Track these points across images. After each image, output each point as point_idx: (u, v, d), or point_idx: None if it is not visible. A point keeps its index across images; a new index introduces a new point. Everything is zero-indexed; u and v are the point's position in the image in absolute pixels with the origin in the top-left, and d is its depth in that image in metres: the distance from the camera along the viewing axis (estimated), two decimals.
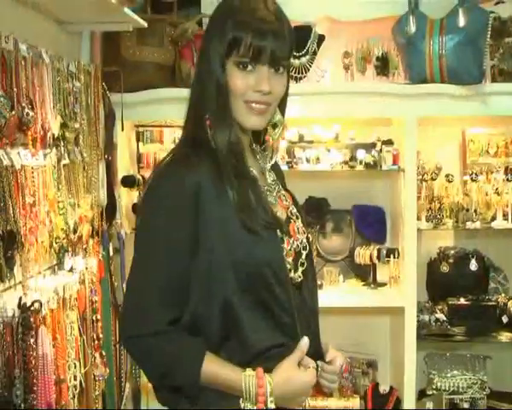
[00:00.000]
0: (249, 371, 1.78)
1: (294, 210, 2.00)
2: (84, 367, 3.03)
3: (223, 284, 1.79)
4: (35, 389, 2.51)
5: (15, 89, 2.46)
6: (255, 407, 1.78)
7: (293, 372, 1.82)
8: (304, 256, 1.95)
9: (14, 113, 2.40)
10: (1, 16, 2.47)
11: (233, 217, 1.79)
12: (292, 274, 1.91)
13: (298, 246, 1.94)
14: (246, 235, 1.79)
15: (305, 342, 1.84)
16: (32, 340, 2.50)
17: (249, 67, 1.80)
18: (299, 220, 1.99)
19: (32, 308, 2.52)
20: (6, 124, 2.34)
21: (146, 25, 3.47)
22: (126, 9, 3.12)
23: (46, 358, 2.58)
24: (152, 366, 1.83)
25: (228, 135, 1.84)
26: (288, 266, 1.89)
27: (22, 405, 2.43)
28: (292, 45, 1.85)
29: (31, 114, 2.53)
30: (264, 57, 1.78)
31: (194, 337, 1.81)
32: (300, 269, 1.94)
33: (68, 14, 3.21)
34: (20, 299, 2.52)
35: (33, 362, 2.50)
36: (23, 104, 2.49)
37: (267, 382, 1.77)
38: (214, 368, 1.78)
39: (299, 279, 1.94)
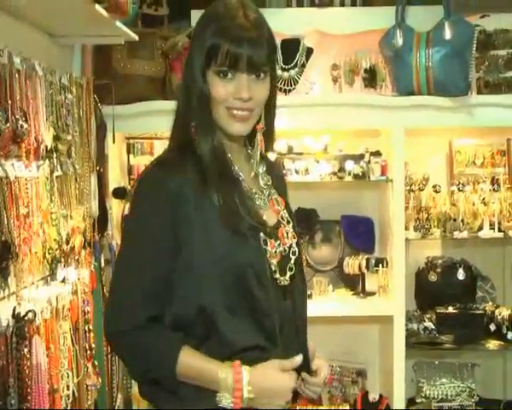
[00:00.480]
0: (227, 363, 1.81)
1: (286, 215, 2.02)
2: (77, 377, 3.05)
3: (203, 284, 1.82)
4: (29, 398, 2.53)
5: (9, 101, 2.48)
6: (233, 399, 1.80)
7: (272, 371, 1.83)
8: (293, 261, 1.96)
9: (8, 125, 2.42)
10: None
11: (215, 219, 1.82)
12: (278, 276, 1.92)
13: (285, 250, 1.95)
14: (227, 236, 1.83)
15: (298, 359, 1.87)
16: (25, 350, 2.52)
17: (229, 75, 1.83)
18: (290, 225, 2.00)
19: (26, 318, 2.54)
20: (1, 136, 2.38)
21: (137, 38, 3.51)
22: (118, 23, 3.16)
23: (40, 367, 2.60)
24: (132, 361, 1.89)
25: (211, 142, 1.88)
26: (273, 268, 1.91)
27: None
28: (271, 52, 1.87)
29: (25, 126, 2.55)
30: (242, 64, 1.81)
31: (172, 332, 1.84)
32: (289, 273, 1.95)
33: (60, 28, 3.23)
34: (14, 309, 2.54)
35: (27, 371, 2.52)
36: (17, 116, 2.52)
37: (244, 370, 1.80)
38: (191, 361, 1.81)
39: (287, 283, 1.94)
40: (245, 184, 1.95)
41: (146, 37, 3.84)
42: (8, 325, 2.47)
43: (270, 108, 1.95)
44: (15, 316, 2.53)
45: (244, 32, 1.80)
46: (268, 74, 1.88)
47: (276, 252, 1.92)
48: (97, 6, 2.81)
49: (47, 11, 2.86)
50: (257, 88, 1.86)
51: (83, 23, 3.15)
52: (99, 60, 3.87)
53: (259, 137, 1.96)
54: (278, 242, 1.93)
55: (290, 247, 1.96)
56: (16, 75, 2.56)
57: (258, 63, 1.83)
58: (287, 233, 1.97)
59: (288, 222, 2.01)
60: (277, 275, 1.92)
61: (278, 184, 2.09)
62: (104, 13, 2.93)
